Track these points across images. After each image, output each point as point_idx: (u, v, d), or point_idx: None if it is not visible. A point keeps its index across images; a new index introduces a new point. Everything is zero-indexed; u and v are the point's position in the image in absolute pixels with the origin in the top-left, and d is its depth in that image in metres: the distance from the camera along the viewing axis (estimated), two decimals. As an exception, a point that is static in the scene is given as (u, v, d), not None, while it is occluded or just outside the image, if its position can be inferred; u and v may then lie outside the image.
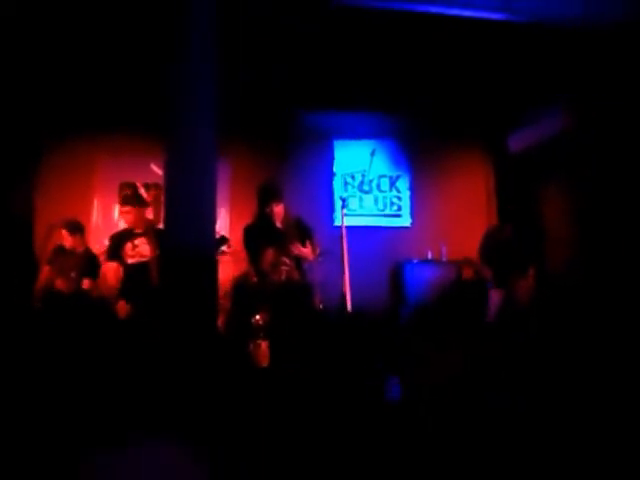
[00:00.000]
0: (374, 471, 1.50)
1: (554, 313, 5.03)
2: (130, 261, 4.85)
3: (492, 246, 5.61)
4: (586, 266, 5.50)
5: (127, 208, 5.07)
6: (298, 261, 4.66)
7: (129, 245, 4.88)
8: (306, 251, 4.64)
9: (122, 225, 6.74)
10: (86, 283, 5.11)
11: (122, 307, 4.65)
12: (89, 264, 5.24)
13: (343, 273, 4.67)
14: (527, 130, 6.62)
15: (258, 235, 4.61)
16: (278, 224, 4.70)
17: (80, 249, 5.36)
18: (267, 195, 4.69)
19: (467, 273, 6.19)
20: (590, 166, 5.53)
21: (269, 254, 4.49)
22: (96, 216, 6.85)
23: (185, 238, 3.16)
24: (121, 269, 4.87)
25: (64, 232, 5.34)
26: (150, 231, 4.88)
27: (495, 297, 5.45)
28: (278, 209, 4.68)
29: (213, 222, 3.38)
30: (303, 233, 4.73)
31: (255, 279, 4.50)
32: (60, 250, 5.36)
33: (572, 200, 5.98)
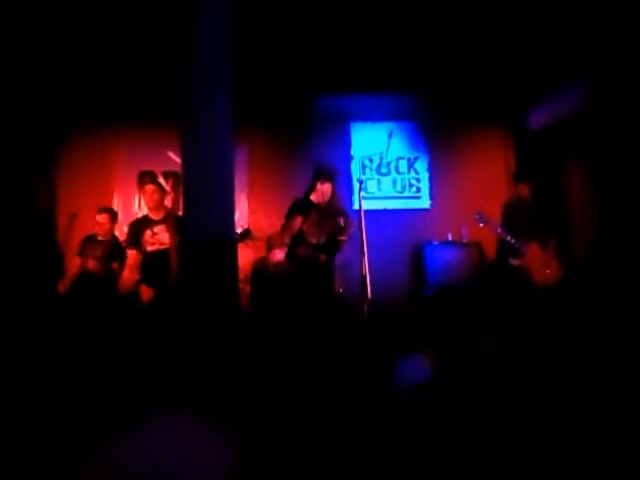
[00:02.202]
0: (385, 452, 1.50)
1: (573, 291, 4.97)
2: (150, 248, 4.87)
3: (510, 214, 5.56)
4: (609, 245, 5.43)
5: (154, 187, 5.09)
6: (331, 244, 4.92)
7: (148, 232, 4.90)
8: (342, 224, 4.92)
9: (142, 208, 6.86)
10: (115, 266, 5.20)
11: (145, 292, 4.71)
12: (117, 249, 5.33)
13: (362, 256, 4.66)
14: (547, 108, 6.50)
15: (294, 207, 4.95)
16: (315, 199, 4.96)
17: (110, 234, 5.48)
18: (315, 173, 5.04)
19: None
20: (612, 143, 5.42)
21: (296, 221, 4.83)
22: (116, 205, 6.91)
23: (204, 225, 3.17)
24: (139, 256, 4.93)
25: (106, 216, 5.45)
26: (170, 219, 4.90)
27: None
28: (322, 187, 4.98)
29: (232, 208, 3.38)
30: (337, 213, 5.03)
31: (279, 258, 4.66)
32: (89, 239, 5.43)
33: (594, 178, 5.88)
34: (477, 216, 5.46)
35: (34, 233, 5.79)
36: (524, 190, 5.56)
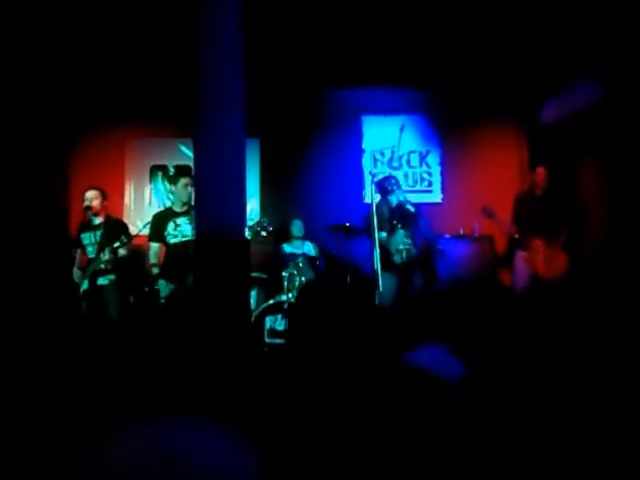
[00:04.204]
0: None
1: (584, 288, 4.94)
2: (172, 241, 4.87)
3: (521, 206, 5.59)
4: (621, 241, 5.39)
5: (187, 180, 4.92)
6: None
7: (171, 225, 4.90)
8: None
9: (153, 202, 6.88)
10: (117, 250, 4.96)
11: (163, 286, 4.71)
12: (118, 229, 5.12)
13: (374, 250, 4.67)
14: (560, 102, 6.44)
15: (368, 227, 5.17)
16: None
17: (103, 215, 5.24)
18: (383, 189, 5.20)
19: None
20: (626, 138, 5.37)
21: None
22: (128, 198, 6.95)
23: (216, 219, 3.18)
24: (163, 249, 4.93)
25: (96, 192, 5.18)
26: (192, 210, 4.84)
27: (521, 262, 5.44)
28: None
29: (243, 202, 3.39)
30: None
31: None
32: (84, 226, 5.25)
33: (607, 173, 5.83)
34: (483, 210, 5.50)
35: (47, 227, 5.82)
36: (540, 175, 5.55)
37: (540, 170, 5.58)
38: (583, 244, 5.61)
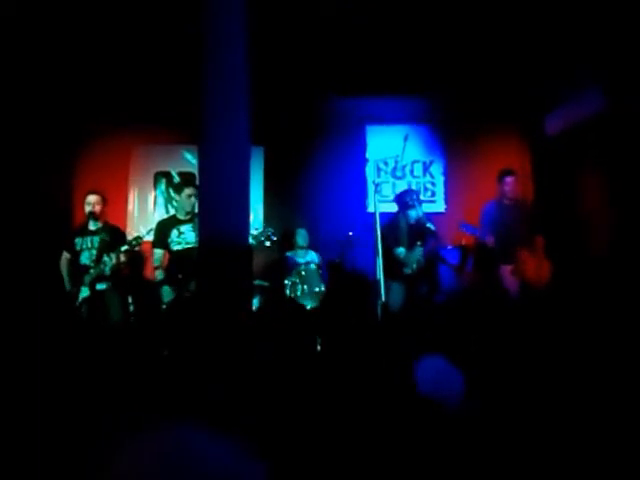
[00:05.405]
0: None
1: (587, 298, 4.92)
2: (176, 248, 4.88)
3: (490, 219, 5.56)
4: (626, 250, 5.36)
5: (190, 190, 4.93)
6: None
7: (175, 232, 4.91)
8: None
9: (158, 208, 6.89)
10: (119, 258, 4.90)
11: (167, 292, 4.72)
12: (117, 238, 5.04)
13: (377, 259, 4.67)
14: (564, 112, 6.44)
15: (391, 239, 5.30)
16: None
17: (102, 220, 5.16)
18: (404, 202, 5.29)
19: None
20: (630, 148, 5.36)
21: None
22: (132, 204, 6.95)
23: (219, 226, 3.18)
24: (167, 256, 4.94)
25: (98, 197, 5.12)
26: (195, 218, 4.85)
27: (508, 276, 5.41)
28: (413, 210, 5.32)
29: (247, 210, 3.39)
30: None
31: None
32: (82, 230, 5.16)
33: (611, 183, 5.82)
34: (461, 226, 5.45)
35: (51, 232, 5.81)
36: (509, 184, 5.55)
37: (509, 180, 5.59)
38: (586, 255, 5.58)
